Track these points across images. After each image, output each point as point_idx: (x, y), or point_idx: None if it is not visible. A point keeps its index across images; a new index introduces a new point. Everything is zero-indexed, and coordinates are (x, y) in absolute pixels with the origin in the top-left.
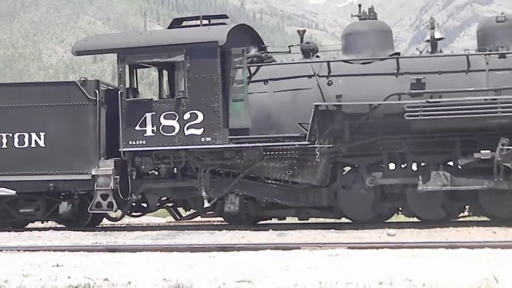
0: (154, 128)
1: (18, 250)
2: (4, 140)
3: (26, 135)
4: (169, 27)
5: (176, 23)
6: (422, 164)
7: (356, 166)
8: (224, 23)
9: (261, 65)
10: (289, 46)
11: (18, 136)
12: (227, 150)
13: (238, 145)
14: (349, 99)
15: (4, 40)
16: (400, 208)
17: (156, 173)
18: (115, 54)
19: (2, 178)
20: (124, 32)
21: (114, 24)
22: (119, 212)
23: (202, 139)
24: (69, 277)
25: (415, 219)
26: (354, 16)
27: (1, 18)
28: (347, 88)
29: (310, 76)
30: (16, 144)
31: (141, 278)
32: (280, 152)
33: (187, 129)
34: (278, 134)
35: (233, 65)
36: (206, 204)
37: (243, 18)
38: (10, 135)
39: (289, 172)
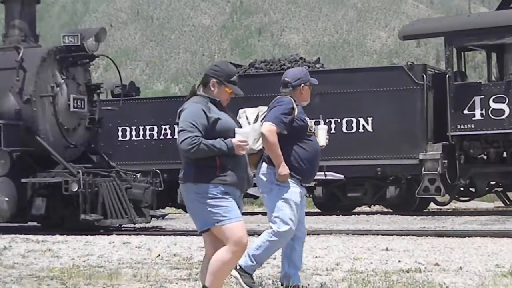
0: (483, 111)
1: (347, 234)
2: (333, 125)
3: (354, 120)
4: (498, 8)
5: (505, 4)
6: None
7: None
8: None
9: None
10: None
11: (346, 121)
12: None
13: None
14: None
15: (329, 27)
16: None
17: (485, 157)
18: (441, 38)
19: (331, 162)
20: (450, 15)
21: (437, 7)
22: (447, 197)
23: None
24: (399, 262)
25: None
26: None
27: (325, 5)
28: None
29: None
30: (344, 129)
31: (472, 264)
32: None
33: None
34: None
35: None
36: None
37: None
38: (338, 120)
39: None
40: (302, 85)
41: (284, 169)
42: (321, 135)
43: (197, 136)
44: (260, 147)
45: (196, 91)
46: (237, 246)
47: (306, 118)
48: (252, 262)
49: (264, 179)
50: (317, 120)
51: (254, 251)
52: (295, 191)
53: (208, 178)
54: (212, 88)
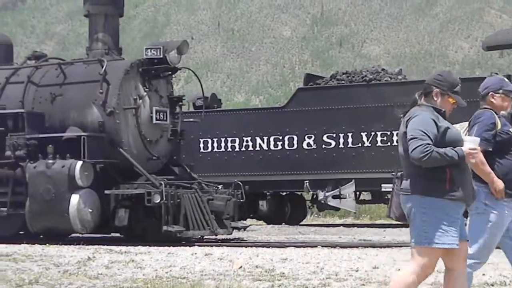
0: None
1: None
2: None
3: None
4: None
5: None
6: None
7: None
8: None
9: None
10: None
11: None
12: None
13: None
14: None
15: (410, 38)
16: None
17: None
18: None
19: None
20: None
21: None
22: None
23: None
24: (483, 275)
25: None
26: None
27: (407, 16)
28: None
29: None
30: None
31: None
32: None
33: None
34: None
35: None
36: None
37: None
38: None
39: None
40: (490, 93)
41: (498, 184)
42: None
43: (428, 144)
44: None
45: (418, 100)
46: (424, 272)
47: (511, 129)
48: None
49: None
50: None
51: None
52: (501, 214)
53: (436, 192)
54: (435, 98)
